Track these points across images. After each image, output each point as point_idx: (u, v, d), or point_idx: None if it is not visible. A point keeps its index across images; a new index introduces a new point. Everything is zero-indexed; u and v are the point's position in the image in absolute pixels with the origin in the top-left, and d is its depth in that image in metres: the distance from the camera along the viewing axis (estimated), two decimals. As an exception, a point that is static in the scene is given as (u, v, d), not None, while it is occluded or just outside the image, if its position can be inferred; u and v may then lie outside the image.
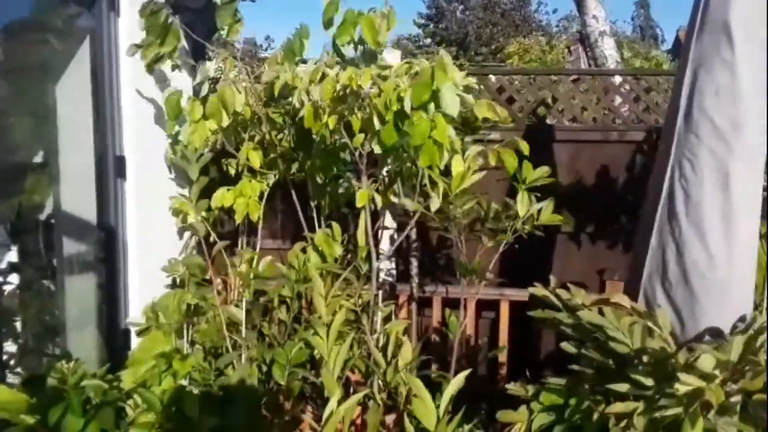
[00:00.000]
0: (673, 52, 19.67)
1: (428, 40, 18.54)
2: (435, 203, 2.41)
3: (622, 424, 1.77)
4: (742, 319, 2.21)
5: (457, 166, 2.33)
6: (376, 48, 2.43)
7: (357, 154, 2.40)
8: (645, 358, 1.91)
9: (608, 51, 6.62)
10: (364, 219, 2.46)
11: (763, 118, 2.15)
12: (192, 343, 2.56)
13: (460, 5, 18.53)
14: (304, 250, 2.71)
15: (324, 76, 2.31)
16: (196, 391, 2.38)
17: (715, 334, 2.17)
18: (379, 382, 2.09)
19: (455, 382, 1.87)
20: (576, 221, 3.60)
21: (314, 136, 2.72)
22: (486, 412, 2.91)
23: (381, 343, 2.32)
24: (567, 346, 2.16)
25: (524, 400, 2.14)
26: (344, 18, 2.43)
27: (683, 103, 2.26)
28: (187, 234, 3.15)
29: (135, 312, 2.88)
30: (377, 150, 2.27)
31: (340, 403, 1.68)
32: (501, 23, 17.21)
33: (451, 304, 3.51)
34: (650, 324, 1.86)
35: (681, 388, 1.54)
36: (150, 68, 2.77)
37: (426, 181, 2.49)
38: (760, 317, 2.04)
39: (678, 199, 2.27)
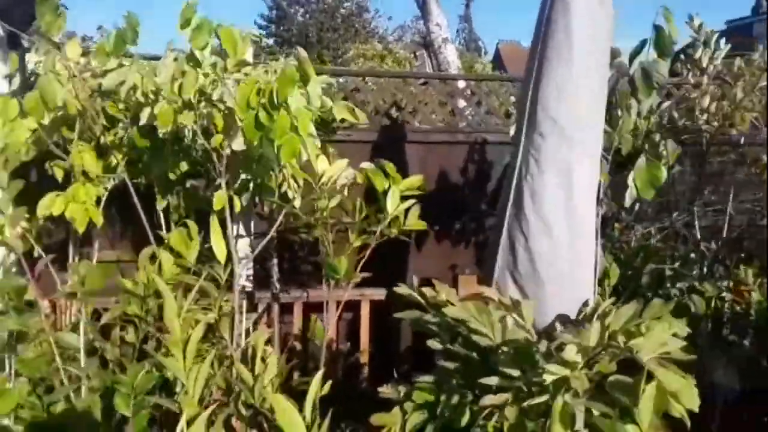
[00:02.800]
0: (495, 62, 21.46)
1: (271, 41, 18.24)
2: (297, 201, 2.33)
3: (494, 418, 1.82)
4: (586, 303, 2.41)
5: (322, 163, 2.27)
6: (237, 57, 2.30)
7: (215, 155, 2.22)
8: (508, 349, 1.98)
9: (451, 57, 7.00)
10: (220, 223, 2.28)
11: (601, 114, 2.36)
12: (17, 376, 2.19)
13: (301, 8, 18.48)
14: (153, 258, 2.45)
15: (183, 74, 2.12)
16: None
17: (564, 320, 2.33)
18: (243, 399, 1.94)
19: (314, 386, 1.78)
20: (427, 220, 3.72)
21: (162, 135, 2.49)
22: (355, 415, 2.88)
23: (245, 357, 2.17)
24: (433, 343, 2.19)
25: (395, 402, 2.12)
26: (199, 24, 2.27)
27: (528, 104, 2.41)
28: (2, 250, 2.72)
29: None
30: (237, 147, 2.13)
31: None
32: (341, 28, 17.45)
33: (313, 308, 3.43)
34: (515, 316, 1.93)
35: (548, 378, 1.61)
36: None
37: (287, 182, 2.40)
38: (604, 302, 2.23)
39: (525, 194, 2.41)
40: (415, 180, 2.62)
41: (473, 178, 3.77)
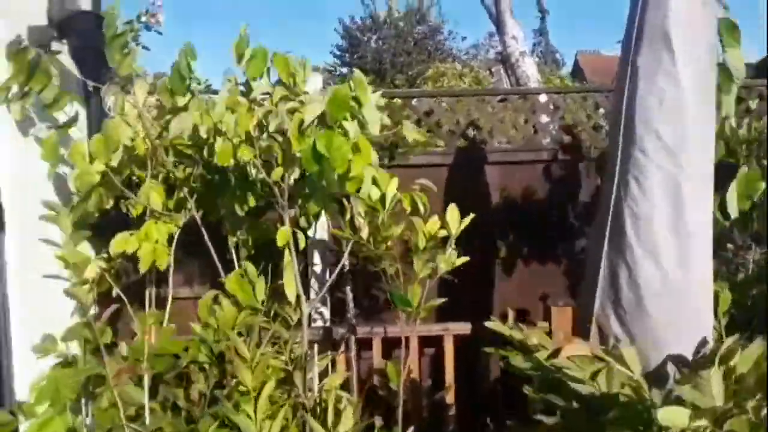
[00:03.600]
0: (575, 74, 20.67)
1: (345, 70, 18.51)
2: (365, 230, 2.17)
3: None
4: (704, 342, 2.08)
5: (388, 189, 2.11)
6: (292, 85, 2.20)
7: (277, 189, 2.11)
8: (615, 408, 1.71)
9: (530, 71, 6.66)
10: (288, 258, 2.15)
11: (711, 126, 2.06)
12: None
13: (374, 35, 18.66)
14: (216, 299, 2.36)
15: (237, 105, 2.03)
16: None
17: (679, 362, 2.01)
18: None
19: None
20: (510, 245, 3.46)
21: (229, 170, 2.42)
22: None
23: (317, 404, 2.01)
24: (529, 390, 1.94)
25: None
26: (253, 54, 2.20)
27: (623, 118, 2.13)
28: (85, 289, 2.72)
29: (24, 391, 2.41)
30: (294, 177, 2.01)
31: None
32: (413, 51, 17.38)
33: (392, 343, 3.25)
34: (620, 367, 1.65)
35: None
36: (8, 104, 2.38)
37: (356, 210, 2.25)
38: (726, 339, 1.90)
39: (626, 220, 2.13)
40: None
41: (561, 198, 3.48)
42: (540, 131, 3.59)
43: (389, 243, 2.47)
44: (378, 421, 2.56)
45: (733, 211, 2.52)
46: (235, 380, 1.97)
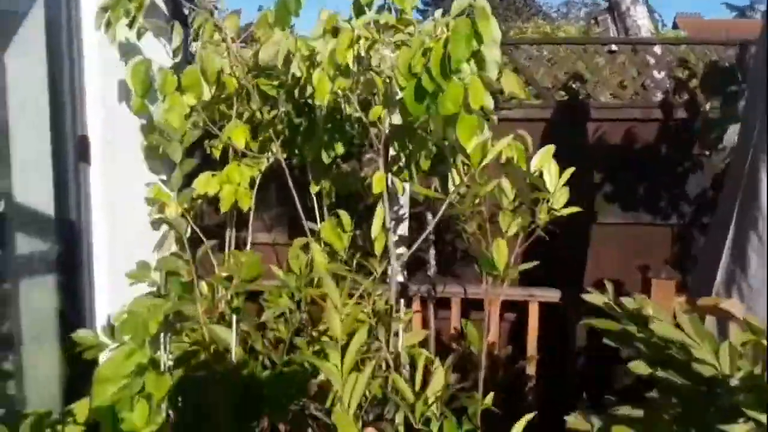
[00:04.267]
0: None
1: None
2: (459, 184, 1.97)
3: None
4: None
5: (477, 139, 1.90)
6: (405, 9, 1.99)
7: (374, 132, 1.94)
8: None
9: (641, 20, 5.89)
10: (380, 208, 1.99)
11: None
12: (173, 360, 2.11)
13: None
14: (306, 247, 2.25)
15: (337, 30, 1.86)
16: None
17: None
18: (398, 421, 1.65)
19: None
20: (613, 210, 3.17)
21: (318, 111, 2.27)
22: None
23: (401, 364, 1.88)
24: (639, 367, 1.73)
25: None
26: None
27: (771, 69, 1.83)
28: (165, 228, 2.70)
29: (104, 322, 2.43)
30: (398, 120, 1.82)
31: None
32: (499, 7, 16.69)
33: (471, 305, 3.09)
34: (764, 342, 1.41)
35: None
36: (108, 29, 2.30)
37: (451, 160, 2.05)
38: None
39: (762, 184, 1.84)
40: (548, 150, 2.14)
41: (672, 162, 3.15)
42: (652, 87, 3.24)
43: (478, 201, 2.28)
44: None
45: None
46: (315, 329, 1.87)
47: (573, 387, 3.07)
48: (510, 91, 2.20)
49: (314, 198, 2.67)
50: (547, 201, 2.14)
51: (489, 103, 1.76)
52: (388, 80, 1.92)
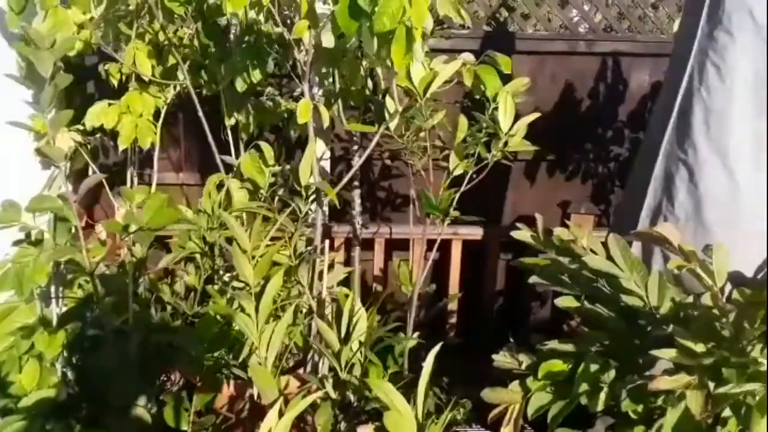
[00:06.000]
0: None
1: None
2: (395, 119, 1.83)
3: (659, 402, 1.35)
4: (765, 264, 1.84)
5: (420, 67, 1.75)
6: None
7: (301, 53, 1.73)
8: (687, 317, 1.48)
9: None
10: (314, 145, 1.81)
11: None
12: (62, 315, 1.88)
13: None
14: (221, 185, 2.04)
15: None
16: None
17: (739, 281, 1.78)
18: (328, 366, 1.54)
19: (426, 372, 1.31)
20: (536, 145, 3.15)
21: (232, 29, 2.03)
22: (446, 371, 2.48)
23: (325, 308, 1.77)
24: (566, 301, 1.70)
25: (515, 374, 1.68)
26: None
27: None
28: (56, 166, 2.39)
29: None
30: (327, 43, 1.64)
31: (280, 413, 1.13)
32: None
33: (394, 246, 3.01)
34: (699, 271, 1.40)
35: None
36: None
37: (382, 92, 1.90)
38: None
39: (695, 114, 1.81)
40: (519, 83, 2.06)
41: (596, 98, 3.13)
42: (577, 18, 3.17)
43: (421, 134, 2.15)
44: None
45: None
46: (229, 274, 1.71)
47: (494, 323, 3.10)
48: (444, 15, 2.05)
49: (229, 132, 2.45)
50: (503, 139, 2.03)
51: (428, 23, 1.61)
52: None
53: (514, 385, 1.62)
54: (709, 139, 1.78)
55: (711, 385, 1.29)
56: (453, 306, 2.98)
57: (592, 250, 1.70)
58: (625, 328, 1.65)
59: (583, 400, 1.59)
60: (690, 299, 1.53)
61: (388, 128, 1.95)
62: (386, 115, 1.87)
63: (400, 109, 1.80)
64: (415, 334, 2.28)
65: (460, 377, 2.37)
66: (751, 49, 1.70)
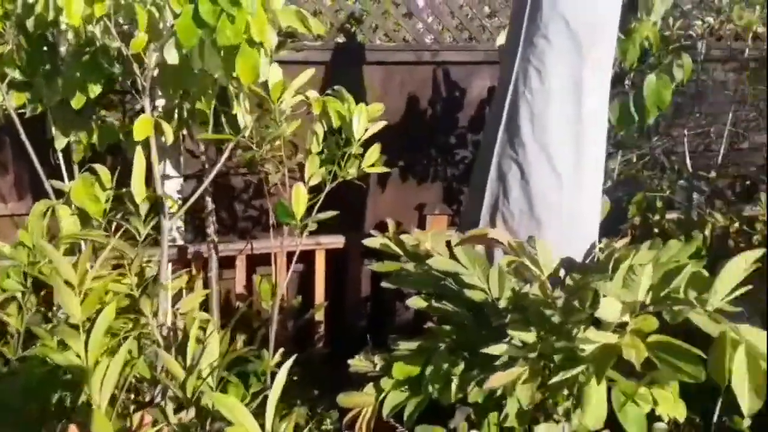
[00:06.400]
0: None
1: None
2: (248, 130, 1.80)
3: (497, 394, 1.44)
4: (592, 247, 2.03)
5: (275, 75, 1.75)
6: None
7: (140, 69, 1.64)
8: (517, 307, 1.58)
9: None
10: (140, 156, 1.72)
11: (617, 17, 1.91)
12: None
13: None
14: (49, 212, 1.88)
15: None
16: None
17: (571, 266, 1.95)
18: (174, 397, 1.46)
19: (278, 385, 1.29)
20: (389, 154, 3.24)
21: (62, 42, 1.88)
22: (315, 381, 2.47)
23: (172, 334, 1.68)
24: (416, 302, 1.77)
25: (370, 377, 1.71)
26: None
27: (530, 2, 1.92)
28: None
29: None
30: (171, 59, 1.57)
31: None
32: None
33: (258, 261, 2.95)
34: (528, 263, 1.51)
35: (587, 347, 1.21)
36: None
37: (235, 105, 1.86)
38: (615, 243, 1.85)
39: (522, 116, 1.96)
40: (376, 108, 2.15)
41: (442, 105, 3.29)
42: (423, 29, 3.31)
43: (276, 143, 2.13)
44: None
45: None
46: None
47: (359, 329, 3.14)
48: (288, 26, 2.04)
49: (61, 155, 2.26)
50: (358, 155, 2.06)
51: (273, 38, 1.60)
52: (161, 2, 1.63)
53: (369, 387, 1.64)
54: (535, 140, 1.93)
55: (545, 372, 1.39)
56: (320, 316, 2.98)
57: (436, 252, 1.78)
58: (471, 321, 1.74)
59: (436, 395, 1.65)
60: (526, 288, 1.64)
61: (244, 136, 1.93)
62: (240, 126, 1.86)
63: (251, 123, 1.78)
64: (280, 349, 2.25)
65: (330, 386, 2.38)
66: (566, 54, 1.86)
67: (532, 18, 1.88)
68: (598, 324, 1.35)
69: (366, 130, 2.04)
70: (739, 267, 1.19)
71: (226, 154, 1.99)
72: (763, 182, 2.97)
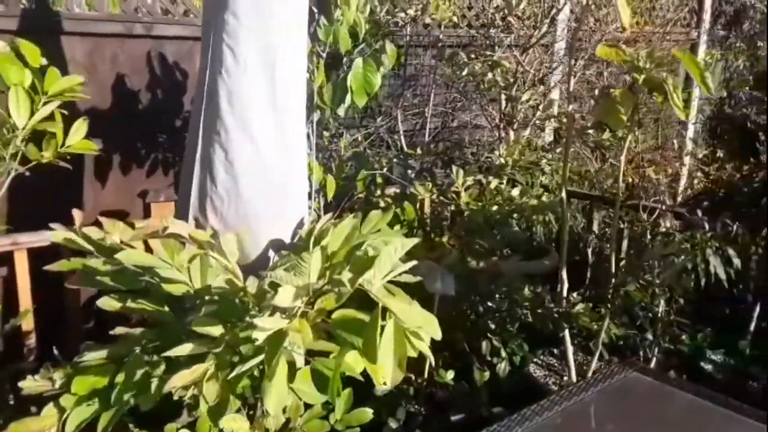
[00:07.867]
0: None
1: None
2: None
3: (189, 393, 1.35)
4: (301, 224, 2.04)
5: None
6: None
7: None
8: (207, 300, 1.50)
9: None
10: None
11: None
12: None
13: None
14: None
15: None
16: None
17: (279, 247, 1.93)
18: None
19: None
20: (104, 138, 2.91)
21: None
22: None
23: None
24: (108, 303, 1.58)
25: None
26: None
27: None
28: None
29: None
30: None
31: None
32: None
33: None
34: (212, 254, 1.43)
35: (259, 336, 1.18)
36: None
37: None
38: (321, 219, 1.86)
39: (221, 95, 1.87)
40: (73, 80, 1.89)
41: (163, 83, 3.04)
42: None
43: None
44: None
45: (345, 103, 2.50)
46: None
47: (82, 338, 2.80)
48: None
49: None
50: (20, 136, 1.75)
51: None
52: None
53: (48, 408, 1.43)
54: (236, 119, 1.86)
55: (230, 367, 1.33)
56: (27, 325, 2.58)
57: (128, 245, 1.61)
58: (173, 318, 1.61)
59: (133, 402, 1.51)
60: (219, 281, 1.56)
61: None
62: None
63: None
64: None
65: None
66: (256, 30, 1.81)
67: (219, -4, 1.79)
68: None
69: (44, 104, 1.77)
70: (392, 252, 1.27)
71: None
72: (458, 158, 3.34)
